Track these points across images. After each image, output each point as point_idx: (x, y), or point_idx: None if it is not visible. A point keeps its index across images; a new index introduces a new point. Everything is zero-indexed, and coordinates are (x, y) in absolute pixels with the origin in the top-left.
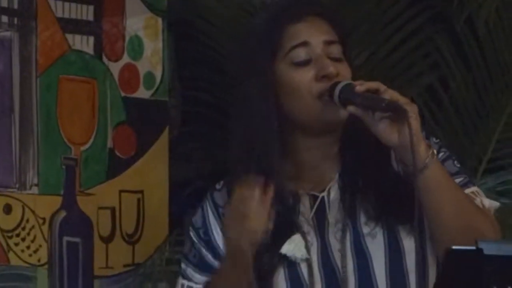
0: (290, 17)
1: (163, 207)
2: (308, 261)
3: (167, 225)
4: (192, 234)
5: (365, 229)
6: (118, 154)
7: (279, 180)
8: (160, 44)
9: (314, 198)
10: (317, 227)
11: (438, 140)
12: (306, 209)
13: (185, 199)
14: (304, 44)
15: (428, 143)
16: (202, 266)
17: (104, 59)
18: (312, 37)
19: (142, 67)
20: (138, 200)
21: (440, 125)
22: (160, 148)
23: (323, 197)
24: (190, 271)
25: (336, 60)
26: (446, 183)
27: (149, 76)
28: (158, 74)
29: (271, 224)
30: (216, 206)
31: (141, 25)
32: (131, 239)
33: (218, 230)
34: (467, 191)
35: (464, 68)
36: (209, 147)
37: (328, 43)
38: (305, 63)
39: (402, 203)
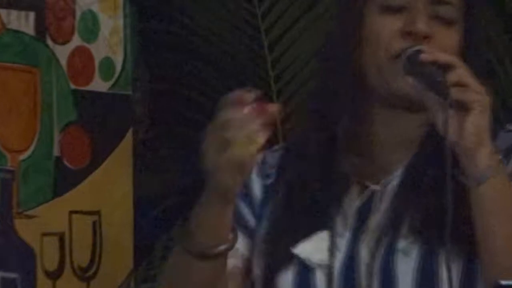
0: None
1: (127, 232)
2: (328, 269)
3: (131, 255)
4: None
5: (401, 243)
6: (67, 164)
7: (331, 156)
8: (121, 21)
9: (365, 189)
10: (354, 228)
11: None
12: (350, 201)
13: (154, 220)
14: None
15: (495, 149)
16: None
17: (49, 41)
18: None
19: (98, 51)
20: (94, 223)
21: None
22: (122, 155)
23: (374, 190)
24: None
25: (441, 20)
26: (508, 203)
27: (107, 63)
28: (118, 60)
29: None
30: (264, 165)
31: None
32: (85, 274)
33: (258, 187)
34: None
35: None
36: (185, 153)
37: (438, 1)
38: (396, 10)
39: (457, 220)
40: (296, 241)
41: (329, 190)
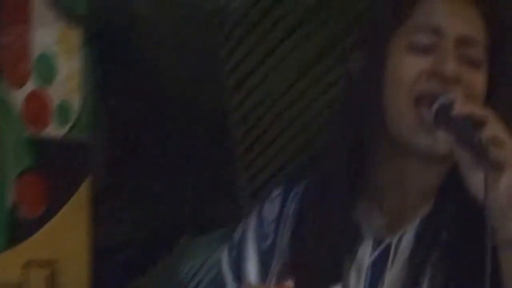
0: None
1: (83, 282)
2: None
3: None
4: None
5: None
6: (22, 213)
7: (347, 207)
8: (79, 64)
9: (379, 241)
10: (369, 282)
11: None
12: (365, 255)
13: (111, 273)
14: (434, 30)
15: None
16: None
17: (3, 84)
18: (448, 24)
19: (55, 94)
20: (50, 274)
21: None
22: (79, 204)
23: (390, 243)
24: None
25: (469, 61)
26: None
27: (64, 107)
28: (75, 104)
29: None
30: (261, 221)
31: (53, 38)
32: None
33: (251, 253)
34: None
35: None
36: (144, 203)
37: (465, 40)
38: (423, 50)
39: (481, 281)
40: None
41: (344, 241)
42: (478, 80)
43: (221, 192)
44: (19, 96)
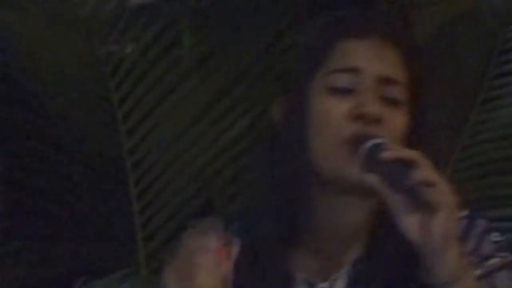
0: (347, 30)
1: None
2: None
3: None
4: None
5: None
6: None
7: (280, 254)
8: None
9: (311, 287)
10: None
11: (499, 239)
12: None
13: None
14: (352, 70)
15: (461, 251)
16: None
17: None
18: (367, 64)
19: None
20: None
21: None
22: None
23: None
24: None
25: (389, 101)
26: None
27: None
28: None
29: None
30: None
31: None
32: None
33: None
34: None
35: None
36: (42, 246)
37: (385, 79)
38: (345, 91)
39: None
40: None
41: None
42: (399, 119)
43: (117, 236)
44: None
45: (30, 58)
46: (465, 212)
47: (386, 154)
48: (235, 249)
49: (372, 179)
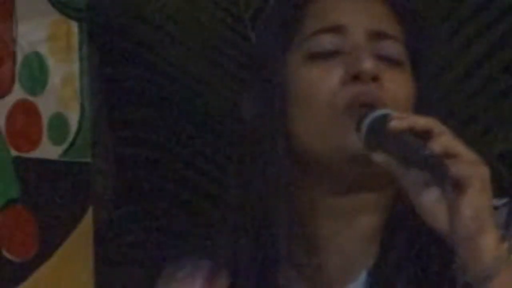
0: None
1: None
2: None
3: None
4: None
5: None
6: (8, 255)
7: (274, 267)
8: (76, 66)
9: None
10: None
11: None
12: None
13: None
14: (336, 29)
15: (501, 234)
16: None
17: None
18: (352, 20)
19: (46, 106)
20: None
21: None
22: (80, 242)
23: None
24: None
25: (386, 60)
26: None
27: (59, 121)
28: (73, 118)
29: None
30: None
31: (43, 34)
32: None
33: None
34: None
35: None
36: (158, 238)
37: (377, 35)
38: (330, 55)
39: None
40: None
41: None
42: (401, 80)
43: None
44: (1, 108)
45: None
46: (504, 199)
47: (395, 124)
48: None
49: (379, 157)
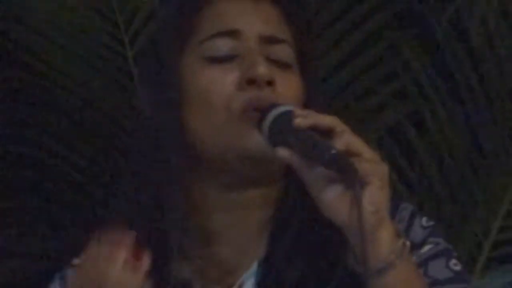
0: None
1: None
2: None
3: None
4: None
5: None
6: None
7: (166, 263)
8: None
9: None
10: None
11: (429, 224)
12: None
13: None
14: (231, 33)
15: (396, 229)
16: None
17: None
18: (246, 24)
19: None
20: None
21: (411, 188)
22: None
23: None
24: None
25: (277, 63)
26: None
27: None
28: None
29: None
30: None
31: None
32: None
33: None
34: None
35: (450, 98)
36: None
37: (269, 39)
38: (226, 59)
39: None
40: None
41: None
42: (292, 82)
43: None
44: None
45: (47, 6)
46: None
47: (299, 121)
48: (145, 262)
49: (282, 152)
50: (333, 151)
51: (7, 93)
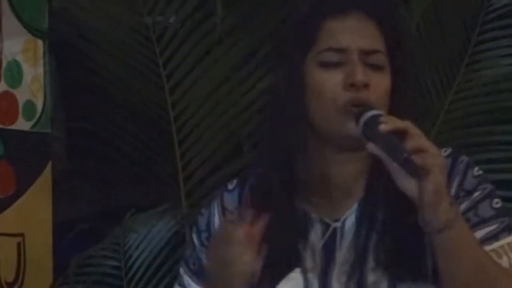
0: (330, 11)
1: (47, 251)
2: None
3: (51, 271)
4: (194, 236)
5: (371, 277)
6: None
7: (292, 197)
8: (41, 69)
9: (326, 226)
10: (323, 263)
11: (479, 173)
12: (316, 239)
13: (70, 242)
14: (338, 50)
15: (451, 201)
16: (200, 274)
17: None
18: (349, 41)
19: (21, 95)
20: (19, 244)
21: None
22: (43, 185)
23: (335, 227)
24: (187, 278)
25: (372, 67)
26: (467, 247)
27: (29, 105)
28: (39, 103)
29: (259, 264)
30: (224, 210)
31: (19, 48)
32: None
33: None
34: (499, 243)
35: None
36: (97, 184)
37: (366, 51)
38: (335, 66)
39: (420, 255)
40: (276, 281)
41: (295, 227)
42: (383, 81)
43: (161, 176)
44: None
45: (87, 26)
46: (448, 150)
47: (382, 128)
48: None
49: (371, 147)
50: (405, 155)
51: (76, 87)
